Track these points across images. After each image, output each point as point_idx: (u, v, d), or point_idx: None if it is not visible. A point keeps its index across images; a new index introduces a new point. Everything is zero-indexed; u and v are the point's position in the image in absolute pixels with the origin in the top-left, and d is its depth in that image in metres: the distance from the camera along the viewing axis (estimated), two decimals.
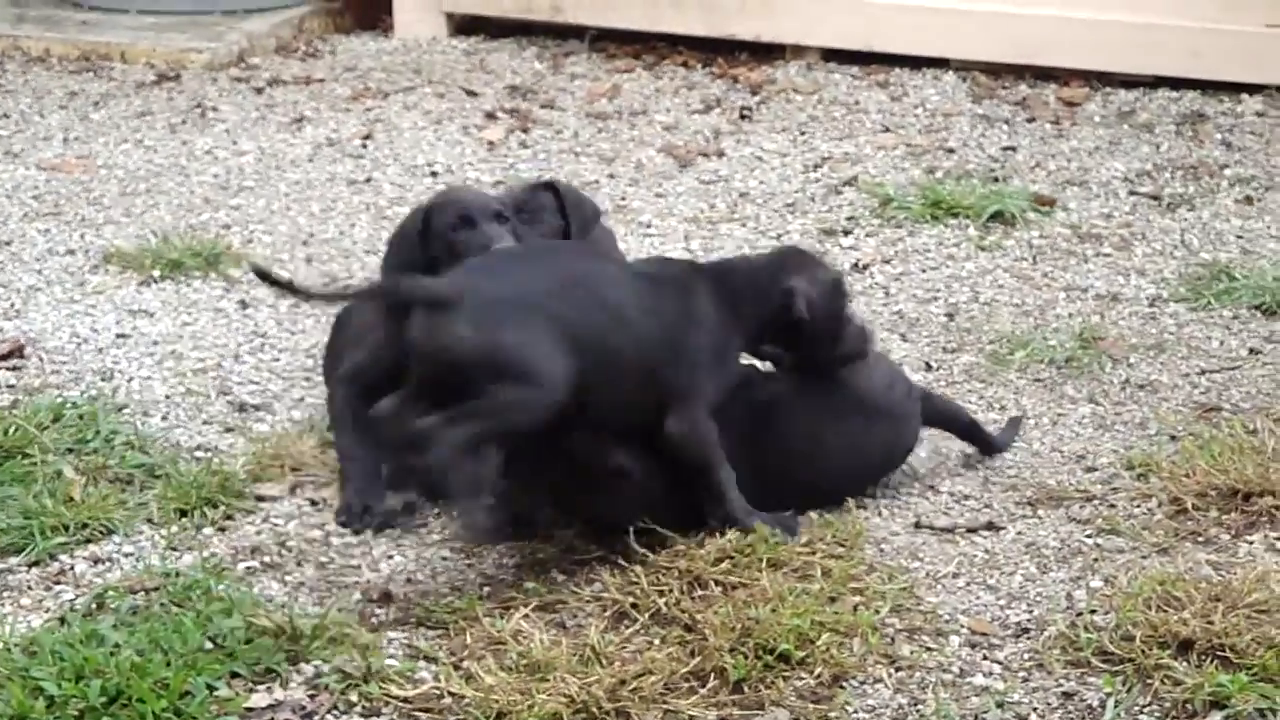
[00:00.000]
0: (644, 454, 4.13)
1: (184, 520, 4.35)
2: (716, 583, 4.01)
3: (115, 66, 7.81)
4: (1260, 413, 4.86)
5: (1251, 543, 4.27)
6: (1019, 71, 7.57)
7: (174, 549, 4.24)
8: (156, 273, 5.74)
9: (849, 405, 4.39)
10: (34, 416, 4.68)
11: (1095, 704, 3.71)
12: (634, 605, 3.97)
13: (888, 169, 6.71)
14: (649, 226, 6.20)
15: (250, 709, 3.66)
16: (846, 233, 6.14)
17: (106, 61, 7.85)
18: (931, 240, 6.04)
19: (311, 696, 3.71)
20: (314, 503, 4.46)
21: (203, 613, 3.87)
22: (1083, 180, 6.60)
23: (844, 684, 3.76)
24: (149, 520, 4.35)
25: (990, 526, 4.36)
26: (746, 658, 3.76)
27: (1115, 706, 3.68)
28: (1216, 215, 6.29)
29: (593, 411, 4.01)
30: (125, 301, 5.58)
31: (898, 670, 3.81)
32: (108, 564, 4.18)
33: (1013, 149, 6.91)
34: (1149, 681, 3.73)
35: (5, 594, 4.07)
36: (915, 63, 7.66)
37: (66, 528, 4.25)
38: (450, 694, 3.70)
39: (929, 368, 5.14)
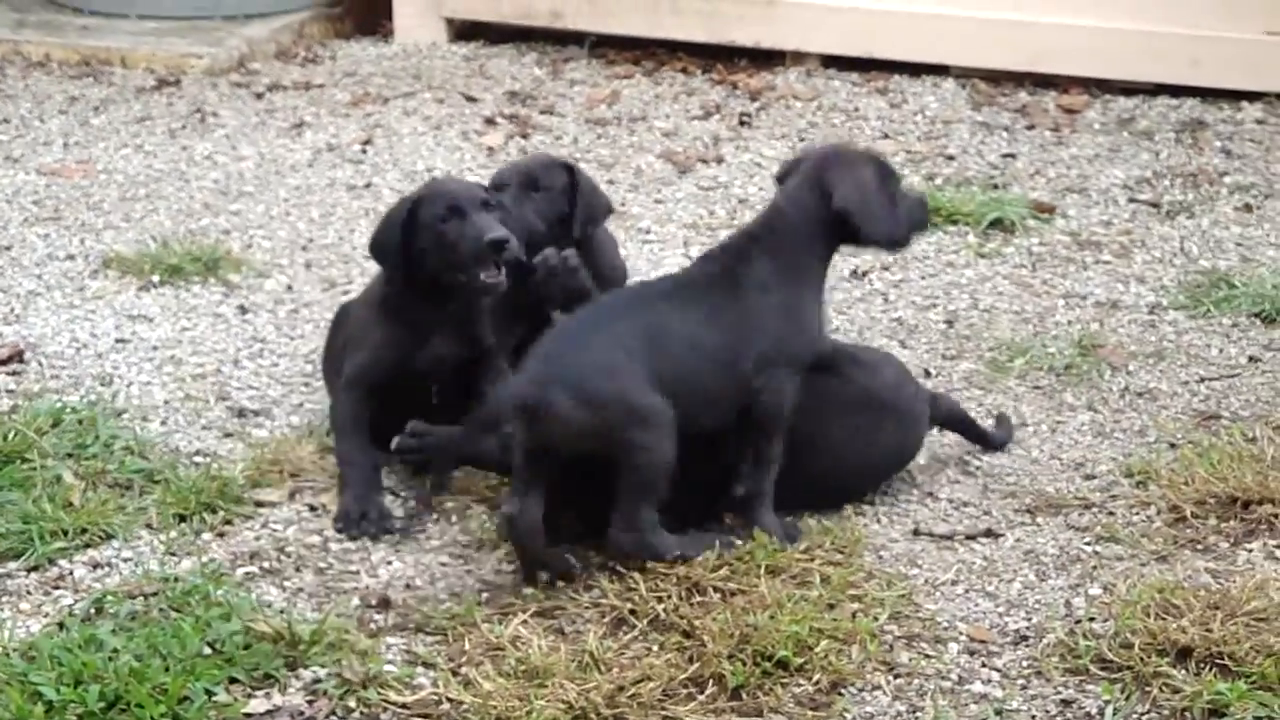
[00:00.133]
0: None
1: (183, 525, 4.35)
2: (715, 589, 4.01)
3: (115, 71, 7.81)
4: (1259, 420, 4.87)
5: (1250, 550, 4.28)
6: (1019, 79, 7.57)
7: (173, 554, 4.24)
8: (156, 278, 5.75)
9: (858, 401, 4.40)
10: (33, 421, 4.68)
11: (1094, 712, 3.71)
12: (632, 611, 3.97)
13: None
14: (648, 233, 6.20)
15: (249, 714, 3.66)
16: None
17: (107, 66, 7.86)
18: (931, 247, 6.04)
19: (310, 702, 3.71)
20: (313, 508, 4.46)
21: (201, 618, 3.87)
22: (1082, 187, 6.61)
23: (842, 691, 3.76)
24: (148, 525, 4.35)
25: (989, 534, 4.36)
26: (745, 664, 3.76)
27: (1114, 714, 3.68)
28: (1216, 223, 6.29)
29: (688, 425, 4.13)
30: (125, 307, 5.58)
31: (896, 677, 3.81)
32: (107, 569, 4.18)
33: (1012, 156, 6.91)
34: (1148, 689, 3.73)
35: (4, 599, 4.06)
36: (915, 69, 7.66)
37: (65, 533, 4.26)
38: (449, 700, 3.71)
39: (928, 374, 5.14)
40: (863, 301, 5.63)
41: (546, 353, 4.12)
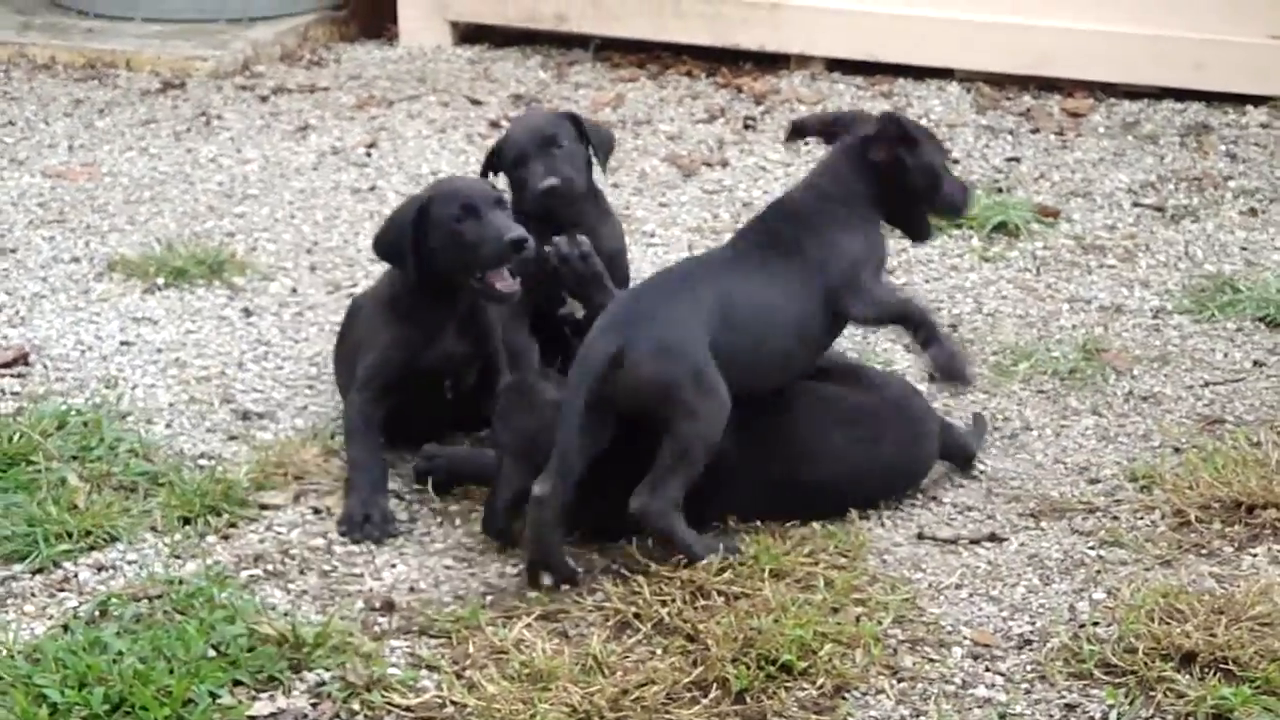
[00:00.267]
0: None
1: (187, 528, 4.35)
2: (719, 593, 4.02)
3: (120, 74, 7.82)
4: (1264, 425, 4.86)
5: (1255, 555, 4.27)
6: (1023, 82, 7.57)
7: (177, 556, 4.24)
8: (161, 280, 5.75)
9: (861, 411, 4.39)
10: (38, 424, 4.68)
11: (1097, 716, 3.71)
12: (636, 615, 3.97)
13: None
14: (652, 236, 6.20)
15: (253, 717, 3.66)
16: None
17: (112, 69, 7.86)
18: (935, 251, 6.04)
19: (314, 705, 3.71)
20: (317, 511, 4.46)
21: (206, 620, 3.87)
22: (1087, 191, 6.60)
23: (846, 695, 3.76)
24: (152, 528, 4.35)
25: (993, 538, 4.36)
26: (749, 668, 3.77)
27: (1118, 719, 3.68)
28: (1221, 227, 6.29)
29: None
30: (129, 309, 5.58)
31: (900, 681, 3.81)
32: (111, 571, 4.18)
33: (1017, 160, 6.91)
34: (1151, 694, 3.73)
35: (9, 601, 4.07)
36: (919, 73, 7.66)
37: (70, 535, 4.26)
38: (452, 703, 3.71)
39: (932, 379, 5.13)
40: None
41: (628, 309, 4.17)
